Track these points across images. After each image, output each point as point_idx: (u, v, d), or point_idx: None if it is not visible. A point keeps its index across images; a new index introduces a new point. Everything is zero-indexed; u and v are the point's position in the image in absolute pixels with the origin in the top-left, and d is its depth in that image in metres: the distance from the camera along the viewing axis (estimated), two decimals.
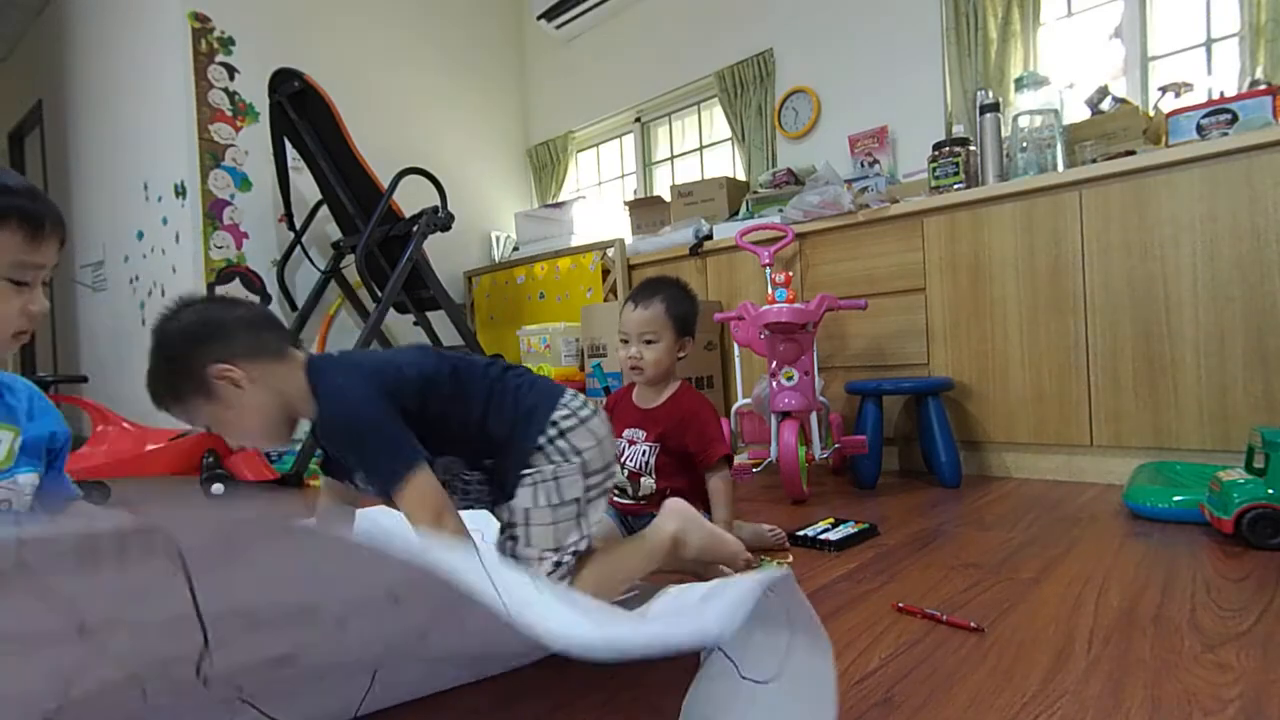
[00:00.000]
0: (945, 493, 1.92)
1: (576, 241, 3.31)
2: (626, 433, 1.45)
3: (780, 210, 2.56)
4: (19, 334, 0.79)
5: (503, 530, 0.98)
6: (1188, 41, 2.23)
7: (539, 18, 3.85)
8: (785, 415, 1.88)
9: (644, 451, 1.40)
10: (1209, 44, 2.20)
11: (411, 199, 2.83)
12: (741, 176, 3.17)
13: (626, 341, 1.45)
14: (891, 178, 2.57)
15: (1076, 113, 2.27)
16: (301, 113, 2.76)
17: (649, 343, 1.42)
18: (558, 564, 0.94)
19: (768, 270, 2.30)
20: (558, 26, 3.82)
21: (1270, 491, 1.27)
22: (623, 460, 1.43)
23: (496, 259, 3.89)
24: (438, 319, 3.25)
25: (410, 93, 3.67)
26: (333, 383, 0.91)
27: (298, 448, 2.54)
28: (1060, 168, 2.09)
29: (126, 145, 3.43)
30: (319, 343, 3.23)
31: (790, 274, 2.22)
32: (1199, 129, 1.82)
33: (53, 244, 0.79)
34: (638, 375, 1.46)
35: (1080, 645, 0.90)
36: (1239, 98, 1.80)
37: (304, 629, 0.64)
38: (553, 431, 0.97)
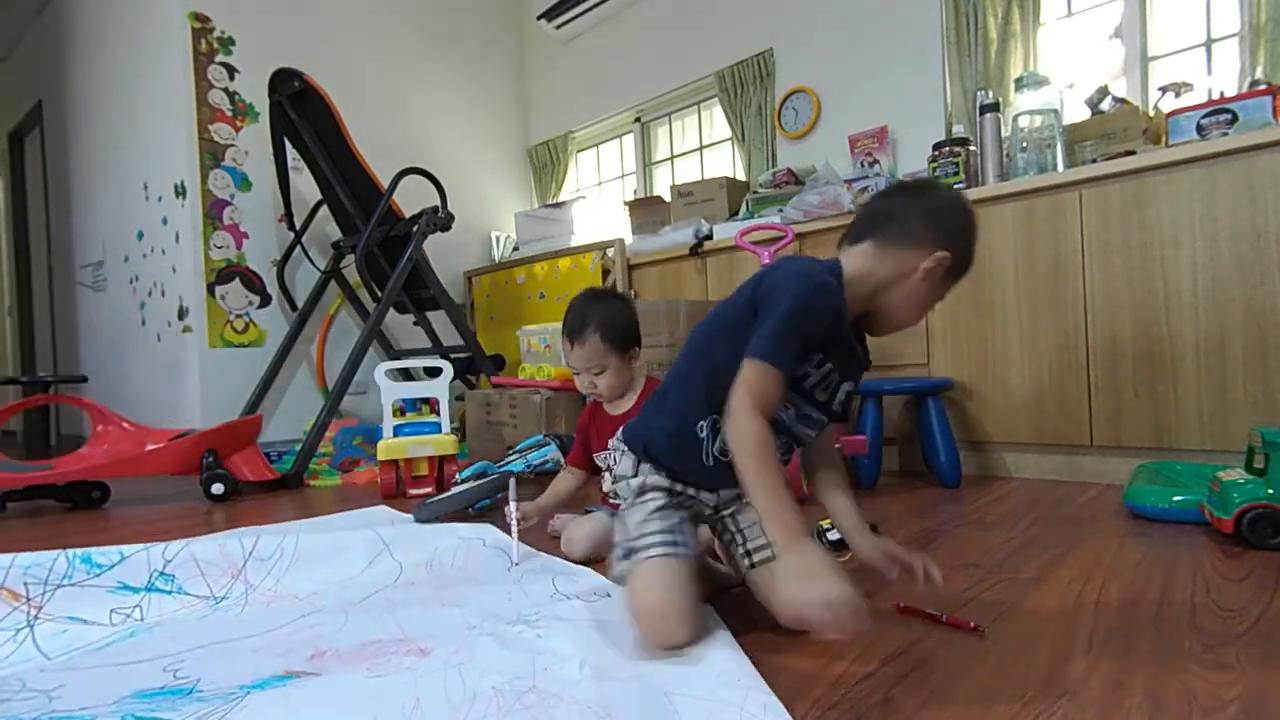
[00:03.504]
0: (945, 493, 1.92)
1: (576, 241, 3.31)
2: (612, 441, 1.47)
3: (780, 210, 2.56)
4: None
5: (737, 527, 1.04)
6: (1188, 41, 2.23)
7: (539, 18, 3.85)
8: None
9: None
10: (1209, 44, 2.20)
11: (411, 199, 2.83)
12: (741, 176, 3.17)
13: (578, 373, 1.49)
14: (891, 178, 2.57)
15: (1076, 113, 2.27)
16: (301, 113, 2.76)
17: (598, 373, 1.45)
18: None
19: None
20: (558, 26, 3.82)
21: (1270, 491, 1.27)
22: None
23: (496, 259, 3.89)
24: (438, 319, 3.25)
25: (410, 92, 3.67)
26: None
27: (297, 447, 2.55)
28: (1060, 168, 2.09)
29: (126, 145, 3.43)
30: (319, 342, 3.23)
31: None
32: (1199, 129, 1.82)
33: None
34: (600, 398, 1.51)
35: (1080, 645, 0.90)
36: (1239, 98, 1.80)
37: None
38: None
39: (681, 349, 1.04)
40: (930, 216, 0.92)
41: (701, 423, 0.96)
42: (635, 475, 1.01)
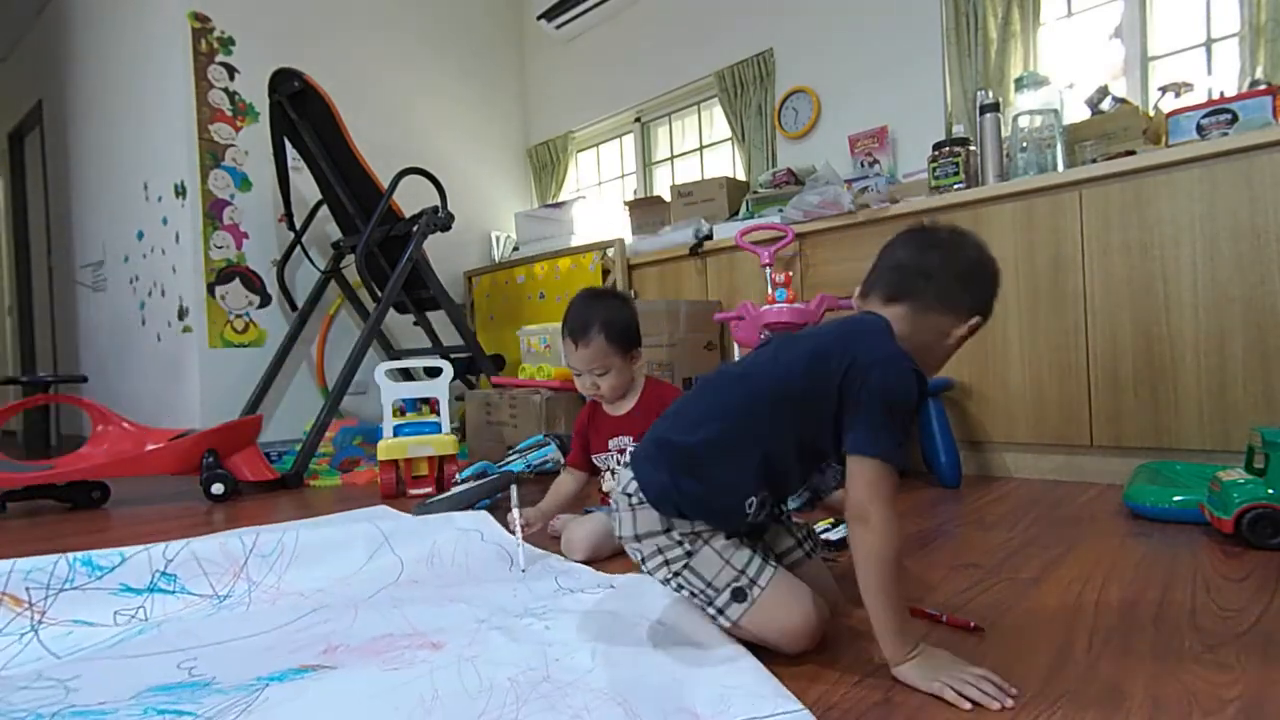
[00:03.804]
0: (945, 493, 1.92)
1: (576, 241, 3.31)
2: (612, 442, 1.47)
3: (780, 210, 2.55)
4: None
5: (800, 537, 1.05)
6: (1188, 41, 2.23)
7: (539, 18, 3.85)
8: None
9: None
10: (1209, 44, 2.20)
11: (411, 199, 2.83)
12: (741, 176, 3.17)
13: (579, 374, 1.46)
14: (891, 178, 2.57)
15: (1076, 113, 2.27)
16: (301, 113, 2.76)
17: (601, 374, 1.43)
18: None
19: (768, 270, 2.30)
20: (558, 26, 3.82)
21: (1270, 491, 1.27)
22: (614, 468, 1.46)
23: (496, 259, 3.89)
24: (438, 319, 3.25)
25: (410, 92, 3.67)
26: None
27: (298, 447, 2.54)
28: (1060, 168, 2.09)
29: (126, 145, 3.43)
30: (319, 342, 3.23)
31: (790, 274, 2.22)
32: (1199, 129, 1.82)
33: None
34: (601, 400, 1.48)
35: (1080, 645, 0.90)
36: (1239, 98, 1.79)
37: None
38: None
39: (706, 399, 0.96)
40: (965, 280, 0.91)
41: (752, 499, 0.91)
42: (669, 529, 0.92)
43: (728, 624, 0.89)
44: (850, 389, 0.84)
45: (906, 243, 0.94)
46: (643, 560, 0.94)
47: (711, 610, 0.90)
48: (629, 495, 0.93)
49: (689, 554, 0.90)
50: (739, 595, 0.88)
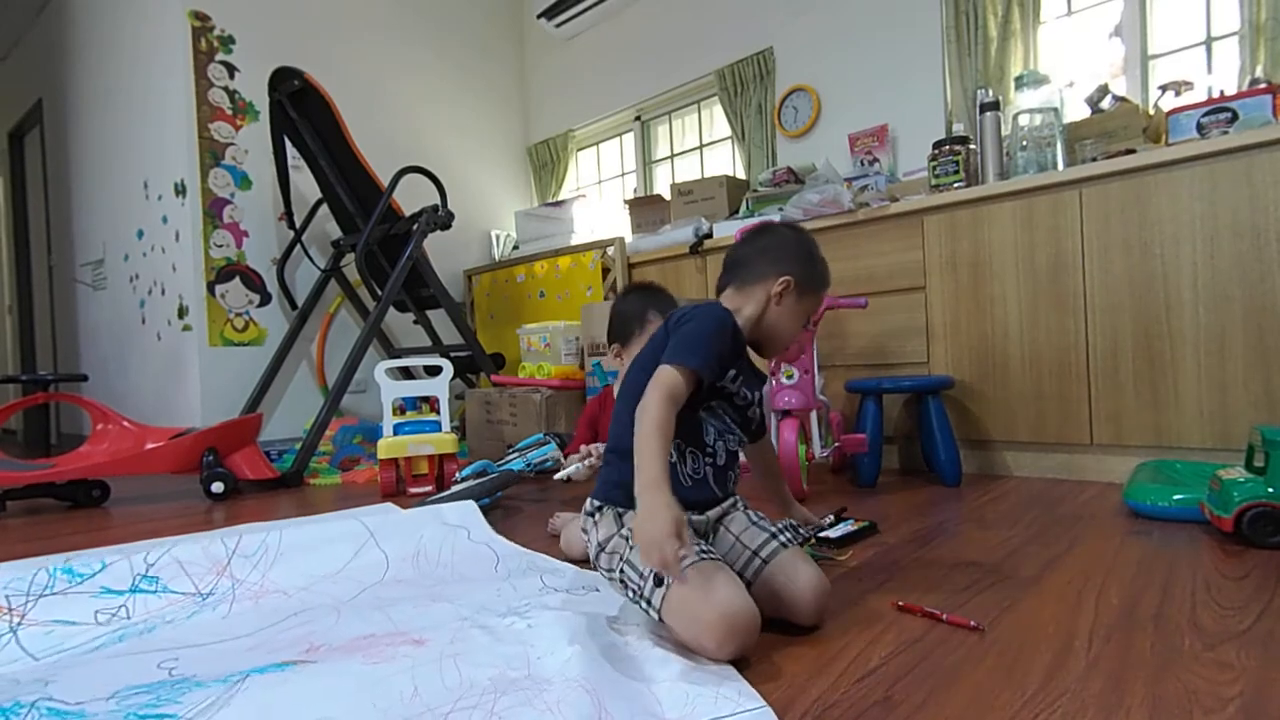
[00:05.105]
0: (945, 491, 1.92)
1: (576, 240, 3.31)
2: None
3: (780, 209, 2.55)
4: None
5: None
6: (1188, 40, 2.23)
7: (539, 16, 3.85)
8: (785, 413, 1.88)
9: None
10: (1209, 42, 2.19)
11: (411, 197, 2.83)
12: (741, 175, 3.17)
13: None
14: (891, 176, 2.57)
15: (1076, 111, 2.27)
16: (301, 111, 2.76)
17: None
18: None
19: None
20: (558, 25, 3.82)
21: (1270, 490, 1.27)
22: None
23: (496, 257, 3.89)
24: (438, 317, 3.25)
25: (410, 91, 3.67)
26: None
27: (298, 446, 2.54)
28: (1060, 166, 2.09)
29: (126, 144, 3.43)
30: (319, 341, 3.23)
31: None
32: (1199, 127, 1.81)
33: None
34: None
35: (1080, 644, 0.90)
36: (1239, 96, 1.79)
37: None
38: None
39: (618, 405, 1.11)
40: (766, 252, 1.13)
41: (670, 449, 0.98)
42: (621, 528, 0.99)
43: (656, 616, 0.91)
44: (672, 335, 1.05)
45: (733, 248, 1.18)
46: (608, 571, 1.00)
47: (644, 605, 0.93)
48: (589, 514, 1.05)
49: (631, 548, 0.96)
50: (659, 579, 0.91)
